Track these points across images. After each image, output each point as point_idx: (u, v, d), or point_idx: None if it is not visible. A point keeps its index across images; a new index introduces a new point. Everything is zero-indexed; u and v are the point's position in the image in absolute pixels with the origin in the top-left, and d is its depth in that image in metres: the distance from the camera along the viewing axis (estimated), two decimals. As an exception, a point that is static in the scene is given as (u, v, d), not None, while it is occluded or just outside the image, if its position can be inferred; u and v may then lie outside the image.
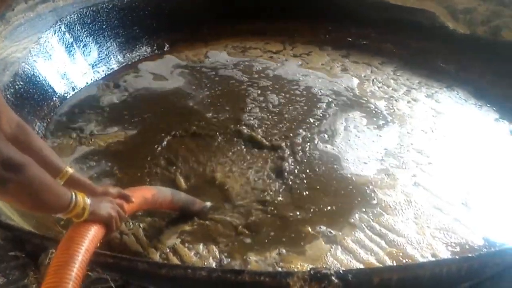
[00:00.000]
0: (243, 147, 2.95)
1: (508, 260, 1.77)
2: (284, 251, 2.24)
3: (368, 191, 2.60)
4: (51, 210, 1.56)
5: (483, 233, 2.35)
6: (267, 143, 2.96)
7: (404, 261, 2.17)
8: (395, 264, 2.14)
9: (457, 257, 2.09)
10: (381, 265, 2.12)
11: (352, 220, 2.41)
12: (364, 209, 2.48)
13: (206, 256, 2.22)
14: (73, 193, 1.53)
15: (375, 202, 2.53)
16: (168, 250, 2.24)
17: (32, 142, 1.68)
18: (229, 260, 2.20)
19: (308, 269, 1.54)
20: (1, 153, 1.31)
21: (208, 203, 2.47)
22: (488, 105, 3.44)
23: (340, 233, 2.33)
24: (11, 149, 1.35)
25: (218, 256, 2.22)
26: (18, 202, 1.50)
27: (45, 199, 1.45)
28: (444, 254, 2.23)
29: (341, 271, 1.49)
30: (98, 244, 1.62)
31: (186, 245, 2.27)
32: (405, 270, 1.58)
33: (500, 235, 2.34)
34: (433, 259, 2.18)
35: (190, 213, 2.39)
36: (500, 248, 2.22)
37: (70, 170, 1.78)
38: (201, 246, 2.26)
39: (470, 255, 1.77)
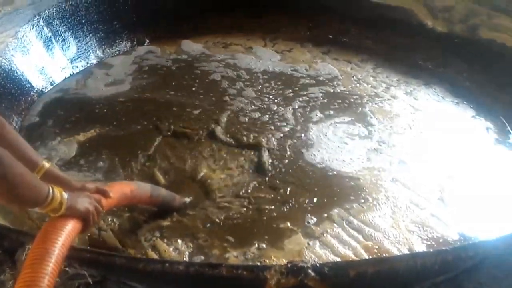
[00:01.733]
0: (222, 143, 2.94)
1: (482, 253, 1.81)
2: (263, 246, 2.25)
3: (346, 187, 2.63)
4: (27, 204, 1.54)
5: (459, 228, 2.39)
6: (246, 140, 2.97)
7: (381, 255, 2.20)
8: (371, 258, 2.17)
9: (431, 250, 2.12)
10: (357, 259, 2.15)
11: (331, 215, 2.43)
12: (342, 205, 2.50)
13: (185, 252, 2.22)
14: (50, 187, 1.51)
15: (353, 197, 2.55)
16: (146, 245, 2.24)
17: (7, 136, 1.66)
18: (208, 255, 2.20)
19: (285, 262, 1.56)
20: None
21: (187, 199, 2.47)
22: (465, 102, 3.49)
23: (318, 228, 2.35)
24: None
25: (197, 252, 2.22)
26: None
27: (21, 191, 1.43)
28: (420, 248, 2.26)
29: (317, 265, 1.51)
30: (75, 240, 1.61)
31: (165, 240, 2.26)
32: (380, 263, 1.60)
33: (475, 229, 2.38)
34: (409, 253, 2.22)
35: (170, 209, 2.39)
36: (474, 241, 2.26)
37: (47, 165, 1.76)
38: (180, 242, 2.26)
39: (444, 248, 1.80)
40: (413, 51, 4.06)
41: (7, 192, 1.42)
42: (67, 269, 2.11)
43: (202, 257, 2.19)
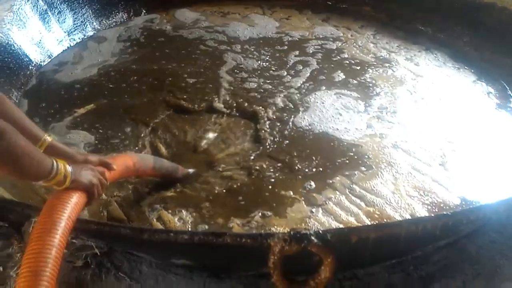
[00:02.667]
0: (222, 114, 2.94)
1: (483, 217, 1.83)
2: (266, 214, 2.27)
3: (348, 154, 2.63)
4: (32, 177, 1.55)
5: (460, 193, 2.41)
6: (245, 109, 2.96)
7: (382, 221, 2.23)
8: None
9: (432, 215, 2.14)
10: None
11: (333, 183, 2.45)
12: (344, 172, 2.51)
13: (189, 221, 2.25)
14: (54, 160, 1.52)
15: (355, 164, 2.56)
16: (151, 216, 2.26)
17: (7, 110, 1.66)
18: (212, 224, 2.23)
19: (288, 230, 1.58)
20: None
21: (191, 170, 2.48)
22: (466, 67, 3.47)
23: (321, 196, 2.37)
24: None
25: (201, 221, 2.25)
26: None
27: (25, 165, 1.45)
28: (422, 213, 2.28)
29: (320, 231, 1.53)
30: (80, 212, 1.62)
31: (169, 211, 2.28)
32: (381, 228, 1.63)
33: (477, 194, 2.40)
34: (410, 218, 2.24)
35: (173, 180, 2.41)
36: (475, 206, 2.28)
37: (49, 138, 1.76)
38: (184, 212, 2.28)
39: (445, 213, 1.82)
40: (413, 17, 4.01)
41: (12, 166, 1.44)
42: (74, 241, 2.15)
43: (206, 227, 2.21)
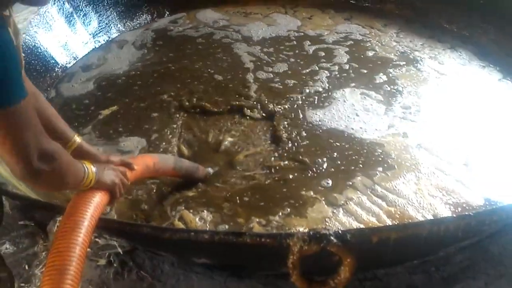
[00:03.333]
0: (245, 115, 2.94)
1: (506, 218, 1.80)
2: (287, 214, 2.28)
3: (370, 153, 2.61)
4: (69, 188, 1.64)
5: (484, 193, 2.37)
6: (269, 109, 2.96)
7: (404, 221, 2.21)
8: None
9: (454, 215, 2.11)
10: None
11: (354, 183, 2.43)
12: (366, 171, 2.50)
13: (210, 221, 2.26)
14: (85, 167, 1.57)
15: (377, 164, 2.55)
16: (173, 216, 2.28)
17: (44, 111, 1.71)
18: (233, 224, 2.24)
19: (308, 230, 1.58)
20: (39, 144, 1.34)
21: (211, 169, 2.50)
22: (491, 65, 3.40)
23: (342, 196, 2.36)
24: (45, 139, 1.39)
25: (222, 221, 2.26)
26: (44, 188, 1.58)
27: (68, 181, 1.52)
28: (445, 214, 2.25)
29: (339, 231, 1.53)
30: (103, 211, 1.65)
31: (191, 211, 2.30)
32: (403, 228, 1.62)
33: (500, 195, 2.35)
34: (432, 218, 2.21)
35: (194, 180, 2.43)
36: (498, 206, 2.24)
37: (78, 140, 1.81)
38: (205, 211, 2.30)
39: (467, 213, 1.79)
40: (437, 14, 3.94)
41: (57, 185, 1.52)
42: (97, 240, 2.20)
43: (227, 226, 2.23)
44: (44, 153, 1.35)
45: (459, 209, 2.29)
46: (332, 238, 1.51)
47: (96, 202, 1.60)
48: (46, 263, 1.43)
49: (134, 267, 2.08)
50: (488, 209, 2.13)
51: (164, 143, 2.74)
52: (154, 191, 2.43)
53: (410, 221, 2.20)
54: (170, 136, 2.80)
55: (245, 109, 2.98)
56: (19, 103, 1.27)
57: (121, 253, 2.13)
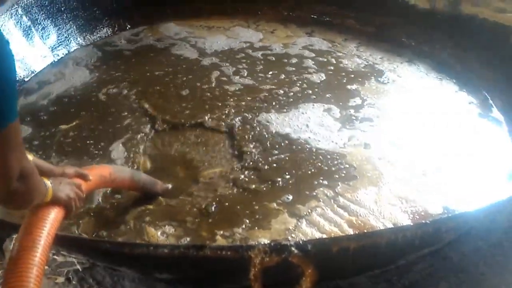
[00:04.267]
0: (207, 128, 2.94)
1: (463, 225, 1.84)
2: (250, 226, 2.27)
3: (332, 165, 2.64)
4: (32, 205, 1.57)
5: (444, 202, 2.42)
6: (230, 122, 2.97)
7: (365, 231, 2.23)
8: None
9: (412, 224, 2.15)
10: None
11: (317, 194, 2.45)
12: (328, 183, 2.52)
13: (173, 235, 2.24)
14: (45, 183, 1.54)
15: (338, 175, 2.57)
16: (134, 231, 2.25)
17: None
18: (196, 238, 2.22)
19: (269, 241, 1.58)
20: (21, 164, 1.32)
21: (169, 185, 2.48)
22: (448, 78, 3.50)
23: (304, 207, 2.37)
24: (26, 158, 1.37)
25: (184, 234, 2.24)
26: (14, 207, 1.56)
27: (35, 199, 1.49)
28: (405, 223, 2.28)
29: (300, 242, 1.54)
30: (58, 227, 1.61)
31: (152, 225, 2.27)
32: (362, 238, 1.63)
33: (459, 203, 2.40)
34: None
35: (151, 194, 2.41)
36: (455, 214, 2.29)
37: (30, 157, 1.76)
38: (167, 225, 2.27)
39: (424, 221, 1.83)
40: (396, 29, 4.04)
41: (25, 203, 1.49)
42: (55, 257, 2.14)
43: (190, 239, 2.20)
44: (24, 173, 1.33)
45: (419, 217, 2.32)
46: (293, 249, 1.52)
47: (52, 219, 1.57)
48: (3, 284, 1.40)
49: (94, 284, 2.04)
50: (444, 217, 2.18)
51: (126, 157, 2.71)
52: (113, 204, 2.39)
53: (370, 230, 2.22)
54: (133, 149, 2.77)
55: (208, 122, 2.97)
56: (13, 123, 1.23)
57: (80, 270, 2.08)
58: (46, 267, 1.61)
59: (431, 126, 2.97)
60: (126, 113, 3.09)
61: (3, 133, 1.21)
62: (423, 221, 1.83)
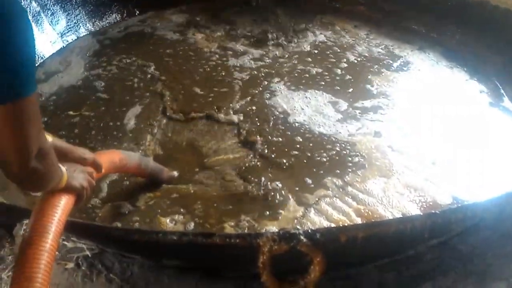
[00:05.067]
0: (218, 119, 2.93)
1: (472, 215, 1.83)
2: (258, 214, 2.27)
3: (340, 154, 2.63)
4: (47, 190, 1.55)
5: (453, 192, 2.40)
6: (237, 109, 2.98)
7: (373, 220, 2.22)
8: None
9: (421, 213, 2.14)
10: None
11: (325, 182, 2.44)
12: (337, 171, 2.51)
13: (181, 222, 2.25)
14: (61, 168, 1.52)
15: (347, 164, 2.56)
16: (142, 217, 2.26)
17: None
18: (204, 225, 2.23)
19: (278, 229, 1.58)
20: (40, 141, 1.29)
21: (176, 172, 2.48)
22: (458, 66, 3.46)
23: (313, 195, 2.37)
24: (44, 136, 1.33)
25: (193, 222, 2.24)
26: (30, 188, 1.55)
27: (51, 182, 1.47)
28: (413, 212, 2.28)
29: (309, 231, 1.54)
30: (69, 214, 1.62)
31: (161, 212, 2.28)
32: (370, 227, 1.63)
33: (469, 193, 2.39)
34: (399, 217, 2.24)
35: (158, 181, 2.41)
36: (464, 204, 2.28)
37: (50, 138, 1.75)
38: (176, 213, 2.28)
39: (434, 211, 1.82)
40: (406, 16, 4.00)
41: (44, 183, 1.45)
42: (65, 243, 2.15)
43: (199, 227, 2.21)
44: (42, 151, 1.30)
45: (428, 207, 2.32)
46: (301, 237, 1.52)
47: (63, 206, 1.57)
48: (14, 271, 1.41)
49: (103, 270, 2.05)
50: (454, 207, 2.16)
51: (136, 143, 2.73)
52: (124, 190, 2.41)
53: (379, 219, 2.21)
54: (146, 136, 2.78)
55: (219, 110, 2.98)
56: (31, 95, 1.19)
57: (90, 255, 2.09)
58: (56, 253, 1.62)
59: (442, 115, 2.95)
60: (136, 100, 3.10)
61: (21, 105, 1.18)
62: (433, 211, 1.82)
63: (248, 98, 3.09)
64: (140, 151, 2.64)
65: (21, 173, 1.30)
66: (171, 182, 2.44)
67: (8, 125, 1.19)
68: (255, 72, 3.37)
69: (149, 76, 3.35)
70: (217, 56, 3.58)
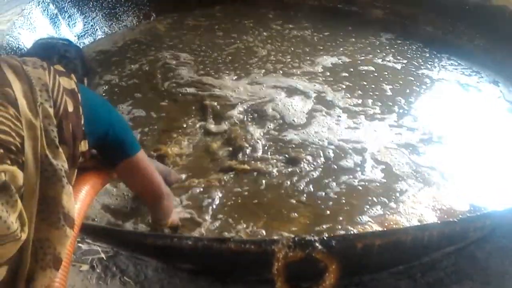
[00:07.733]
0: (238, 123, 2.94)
1: (490, 224, 1.80)
2: (272, 219, 2.25)
3: (355, 160, 2.61)
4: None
5: (470, 200, 2.36)
6: (262, 112, 2.98)
7: (389, 227, 2.20)
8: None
9: (439, 221, 2.11)
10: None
11: (339, 189, 2.43)
12: (350, 176, 2.49)
13: (195, 226, 2.24)
14: None
15: (362, 169, 2.54)
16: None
17: None
18: (218, 230, 2.22)
19: (293, 236, 1.57)
20: (162, 184, 1.90)
21: (182, 176, 2.48)
22: (479, 71, 3.44)
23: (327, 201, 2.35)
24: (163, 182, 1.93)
25: (207, 227, 2.24)
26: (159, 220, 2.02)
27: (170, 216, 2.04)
28: (430, 220, 2.24)
29: (324, 238, 1.52)
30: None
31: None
32: (386, 235, 1.61)
33: (487, 201, 2.35)
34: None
35: (165, 182, 2.41)
36: (482, 213, 2.25)
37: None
38: (189, 217, 2.27)
39: (451, 219, 1.79)
40: (424, 20, 3.99)
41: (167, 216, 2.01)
42: (80, 245, 2.17)
43: (213, 232, 2.21)
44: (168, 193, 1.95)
45: (445, 215, 2.28)
46: (317, 244, 1.51)
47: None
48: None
49: (118, 272, 2.06)
50: (472, 216, 2.13)
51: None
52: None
53: (395, 226, 2.19)
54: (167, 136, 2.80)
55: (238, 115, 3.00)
56: (140, 152, 1.70)
57: (104, 258, 2.10)
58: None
59: (461, 120, 2.92)
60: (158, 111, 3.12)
61: (135, 160, 1.67)
62: (451, 220, 1.80)
63: (273, 102, 3.09)
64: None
65: (158, 211, 1.96)
66: (178, 183, 2.43)
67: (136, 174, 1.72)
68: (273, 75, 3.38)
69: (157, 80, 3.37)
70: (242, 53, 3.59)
